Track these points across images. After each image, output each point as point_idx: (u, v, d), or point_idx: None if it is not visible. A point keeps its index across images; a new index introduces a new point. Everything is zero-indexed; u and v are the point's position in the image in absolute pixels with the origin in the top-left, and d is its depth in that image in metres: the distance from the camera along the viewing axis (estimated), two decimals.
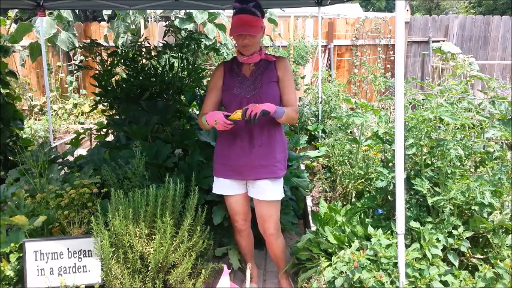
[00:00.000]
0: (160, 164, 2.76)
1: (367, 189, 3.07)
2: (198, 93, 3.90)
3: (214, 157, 2.29)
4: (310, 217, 3.00)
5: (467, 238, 2.19)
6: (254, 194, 2.22)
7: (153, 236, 2.01)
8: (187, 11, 6.71)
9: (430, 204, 2.30)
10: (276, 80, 2.19)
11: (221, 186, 2.26)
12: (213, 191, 2.30)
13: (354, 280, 2.05)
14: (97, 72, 3.70)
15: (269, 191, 2.18)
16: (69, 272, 2.07)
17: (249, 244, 2.48)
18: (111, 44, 6.82)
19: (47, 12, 4.20)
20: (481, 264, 2.13)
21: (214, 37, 6.92)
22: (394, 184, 2.26)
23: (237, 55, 2.22)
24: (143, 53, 3.96)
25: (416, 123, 2.42)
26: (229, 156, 2.19)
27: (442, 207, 2.27)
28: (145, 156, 2.53)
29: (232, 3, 2.16)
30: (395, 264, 2.03)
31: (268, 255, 2.82)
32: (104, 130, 3.77)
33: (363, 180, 3.15)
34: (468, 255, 2.29)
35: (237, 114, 1.96)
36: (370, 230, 2.31)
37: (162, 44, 4.14)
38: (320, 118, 5.22)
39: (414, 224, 2.27)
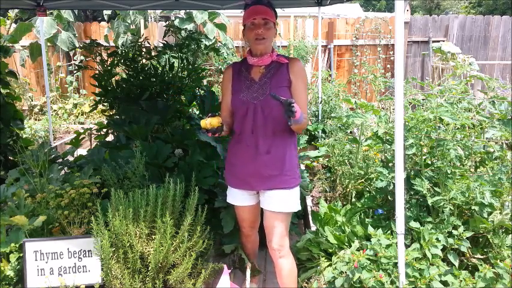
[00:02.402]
0: (160, 164, 2.76)
1: (367, 189, 3.08)
2: (198, 93, 3.90)
3: (225, 164, 2.21)
4: (310, 217, 3.00)
5: (467, 238, 2.19)
6: (263, 204, 2.10)
7: (153, 236, 2.01)
8: (187, 11, 6.71)
9: (430, 204, 2.30)
10: (287, 85, 2.01)
11: (232, 195, 2.18)
12: (227, 199, 2.23)
13: (354, 280, 2.06)
14: (97, 72, 3.70)
15: (279, 202, 2.03)
16: (69, 272, 2.07)
17: (254, 246, 2.45)
18: (112, 44, 6.83)
19: (47, 12, 4.19)
20: (481, 264, 2.13)
21: (214, 37, 6.92)
22: (394, 184, 2.27)
23: (247, 57, 2.07)
24: (143, 53, 3.96)
25: (416, 123, 2.42)
26: (236, 165, 2.09)
27: (442, 207, 2.27)
28: (145, 156, 2.53)
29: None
30: (395, 264, 2.03)
31: (269, 255, 2.82)
32: (104, 130, 3.76)
33: (363, 180, 3.15)
34: (468, 255, 2.29)
35: (203, 123, 1.86)
36: (370, 230, 2.31)
37: (162, 44, 4.14)
38: (320, 118, 5.22)
39: (414, 224, 2.27)
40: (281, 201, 2.03)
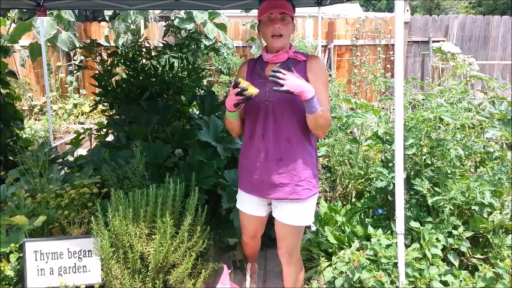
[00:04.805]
0: (160, 164, 2.76)
1: (367, 189, 3.08)
2: (198, 93, 3.90)
3: (238, 167, 2.09)
4: None
5: (467, 238, 2.19)
6: (273, 212, 1.99)
7: (153, 236, 2.01)
8: (187, 11, 6.71)
9: (430, 204, 2.30)
10: None
11: (241, 200, 2.06)
12: (236, 205, 2.11)
13: (354, 280, 2.06)
14: (97, 72, 3.70)
15: (290, 214, 1.90)
16: (69, 272, 2.07)
17: (253, 251, 2.38)
18: (112, 44, 6.83)
19: (47, 12, 4.19)
20: (481, 264, 2.14)
21: (214, 37, 6.93)
22: (394, 184, 2.26)
23: (262, 53, 1.94)
24: (143, 53, 3.96)
25: (416, 123, 2.42)
26: (247, 169, 1.96)
27: (442, 207, 2.27)
28: (145, 156, 2.53)
29: None
30: (395, 264, 2.03)
31: (269, 255, 2.82)
32: (104, 130, 3.76)
33: (363, 180, 3.15)
34: (468, 255, 2.29)
35: (250, 87, 1.69)
36: (370, 230, 2.31)
37: (162, 44, 4.14)
38: None
39: (414, 224, 2.27)
40: (292, 214, 1.90)
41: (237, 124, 1.96)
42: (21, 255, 2.05)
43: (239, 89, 1.67)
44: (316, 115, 1.71)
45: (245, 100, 1.71)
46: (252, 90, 1.70)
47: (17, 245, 2.07)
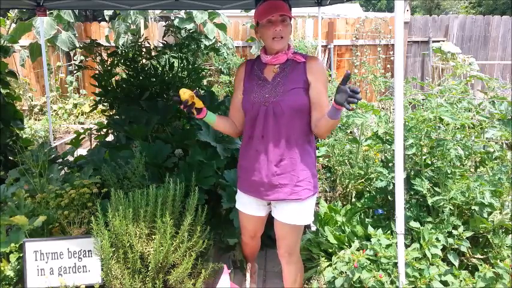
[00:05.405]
0: (160, 164, 2.76)
1: (367, 189, 3.08)
2: (198, 93, 3.90)
3: (237, 167, 2.09)
4: None
5: (467, 238, 2.19)
6: (273, 212, 2.00)
7: (153, 236, 2.01)
8: (187, 11, 6.72)
9: (430, 204, 2.30)
10: (303, 86, 1.82)
11: (240, 200, 2.06)
12: (236, 205, 2.11)
13: (354, 280, 2.06)
14: (97, 72, 3.70)
15: (290, 214, 1.91)
16: (69, 272, 2.07)
17: (252, 251, 2.38)
18: (113, 44, 6.83)
19: (47, 12, 4.19)
20: (481, 264, 2.14)
21: (214, 37, 6.93)
22: (394, 184, 2.26)
23: (261, 54, 1.92)
24: (143, 53, 3.96)
25: (416, 123, 2.42)
26: (246, 170, 1.95)
27: (442, 207, 2.27)
28: (145, 156, 2.53)
29: None
30: (395, 264, 2.03)
31: (269, 255, 2.82)
32: (104, 130, 3.77)
33: (363, 180, 3.15)
34: (468, 255, 2.29)
35: (184, 92, 1.80)
36: (370, 230, 2.31)
37: (162, 44, 4.14)
38: None
39: (414, 224, 2.27)
40: (292, 214, 1.91)
41: (221, 127, 2.00)
42: (21, 255, 2.06)
43: (181, 103, 1.80)
44: (338, 120, 1.71)
45: (188, 110, 1.82)
46: (187, 95, 1.80)
47: (17, 245, 2.07)
